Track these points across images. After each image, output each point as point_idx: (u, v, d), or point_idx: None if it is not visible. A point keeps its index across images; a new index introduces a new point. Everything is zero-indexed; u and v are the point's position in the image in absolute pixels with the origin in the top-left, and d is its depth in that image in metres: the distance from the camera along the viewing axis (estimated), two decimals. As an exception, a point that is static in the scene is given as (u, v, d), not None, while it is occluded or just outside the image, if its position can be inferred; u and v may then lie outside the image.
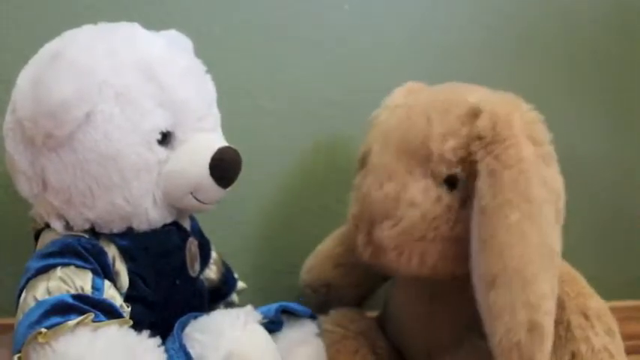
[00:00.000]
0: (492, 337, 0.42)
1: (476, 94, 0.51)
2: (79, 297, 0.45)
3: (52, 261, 0.46)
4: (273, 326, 0.53)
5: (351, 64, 0.76)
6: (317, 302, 0.66)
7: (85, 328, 0.43)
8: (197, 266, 0.58)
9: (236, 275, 0.73)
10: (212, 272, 0.67)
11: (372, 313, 0.67)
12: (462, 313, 0.54)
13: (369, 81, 0.76)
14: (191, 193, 0.51)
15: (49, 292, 0.45)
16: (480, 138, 0.46)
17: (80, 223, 0.49)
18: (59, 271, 0.46)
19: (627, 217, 0.85)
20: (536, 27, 0.79)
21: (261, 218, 0.77)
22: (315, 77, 0.75)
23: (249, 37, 0.73)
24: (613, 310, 0.52)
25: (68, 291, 0.45)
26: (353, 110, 0.76)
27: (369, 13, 0.76)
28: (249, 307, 0.52)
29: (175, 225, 0.55)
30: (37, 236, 0.53)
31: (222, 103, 0.57)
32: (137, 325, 0.46)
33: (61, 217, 0.50)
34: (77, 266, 0.47)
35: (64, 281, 0.45)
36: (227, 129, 0.57)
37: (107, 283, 0.48)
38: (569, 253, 0.50)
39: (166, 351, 0.46)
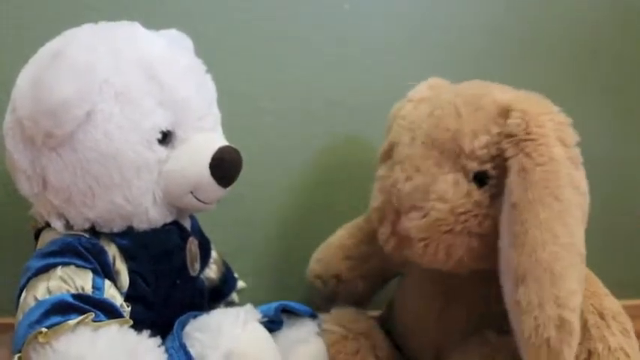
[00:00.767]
0: (521, 332, 0.43)
1: (504, 93, 0.51)
2: (80, 296, 0.45)
3: (52, 260, 0.46)
4: (273, 325, 0.53)
5: (352, 64, 0.76)
6: (326, 294, 0.66)
7: (86, 328, 0.43)
8: (197, 266, 0.58)
9: (236, 275, 0.73)
10: (212, 272, 0.67)
11: (374, 313, 0.67)
12: (475, 308, 0.54)
13: (370, 81, 0.76)
14: (191, 193, 0.51)
15: (49, 292, 0.45)
16: (511, 136, 0.47)
17: (80, 223, 0.49)
18: (59, 271, 0.46)
19: (631, 216, 0.85)
20: (537, 27, 0.79)
21: (261, 218, 0.77)
22: (316, 77, 0.75)
23: (249, 37, 0.73)
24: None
25: (68, 290, 0.45)
26: (353, 110, 0.76)
27: (369, 12, 0.76)
28: (249, 306, 0.52)
29: (176, 224, 0.55)
30: (37, 235, 0.53)
31: (222, 102, 0.57)
32: (137, 325, 0.46)
33: (61, 216, 0.50)
34: (77, 266, 0.47)
35: (65, 281, 0.45)
36: (227, 128, 0.57)
37: (107, 282, 0.48)
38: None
39: (166, 350, 0.46)
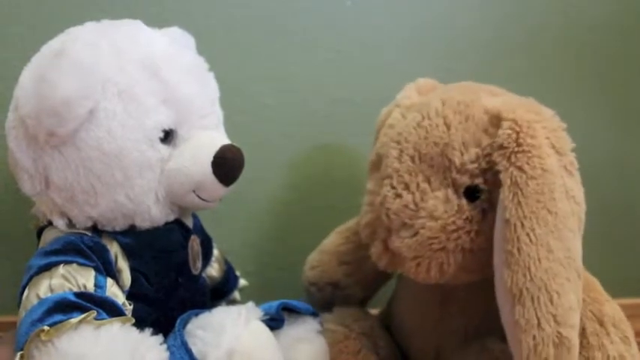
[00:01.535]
0: (518, 352, 0.42)
1: (494, 99, 0.50)
2: (82, 295, 0.45)
3: (54, 259, 0.46)
4: (274, 323, 0.53)
5: (354, 61, 0.76)
6: (322, 300, 0.65)
7: (88, 326, 0.43)
8: (199, 264, 0.58)
9: (238, 273, 0.73)
10: (214, 270, 0.67)
11: (374, 310, 0.67)
12: (473, 316, 0.54)
13: (372, 78, 0.76)
14: (193, 191, 0.51)
15: (51, 290, 0.45)
16: (502, 148, 0.45)
17: (83, 221, 0.49)
18: (62, 269, 0.46)
19: (631, 217, 0.85)
20: (539, 27, 0.79)
21: (262, 216, 0.77)
22: (317, 74, 0.75)
23: (250, 34, 0.73)
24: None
25: (71, 289, 0.45)
26: (355, 107, 0.76)
27: (371, 9, 0.75)
28: (250, 305, 0.52)
29: (178, 223, 0.55)
30: (39, 234, 0.53)
31: (224, 100, 0.57)
32: (139, 323, 0.47)
33: (63, 214, 0.50)
34: (80, 264, 0.47)
35: (67, 279, 0.46)
36: (229, 127, 0.57)
37: (110, 280, 0.48)
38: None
39: (168, 348, 0.46)
